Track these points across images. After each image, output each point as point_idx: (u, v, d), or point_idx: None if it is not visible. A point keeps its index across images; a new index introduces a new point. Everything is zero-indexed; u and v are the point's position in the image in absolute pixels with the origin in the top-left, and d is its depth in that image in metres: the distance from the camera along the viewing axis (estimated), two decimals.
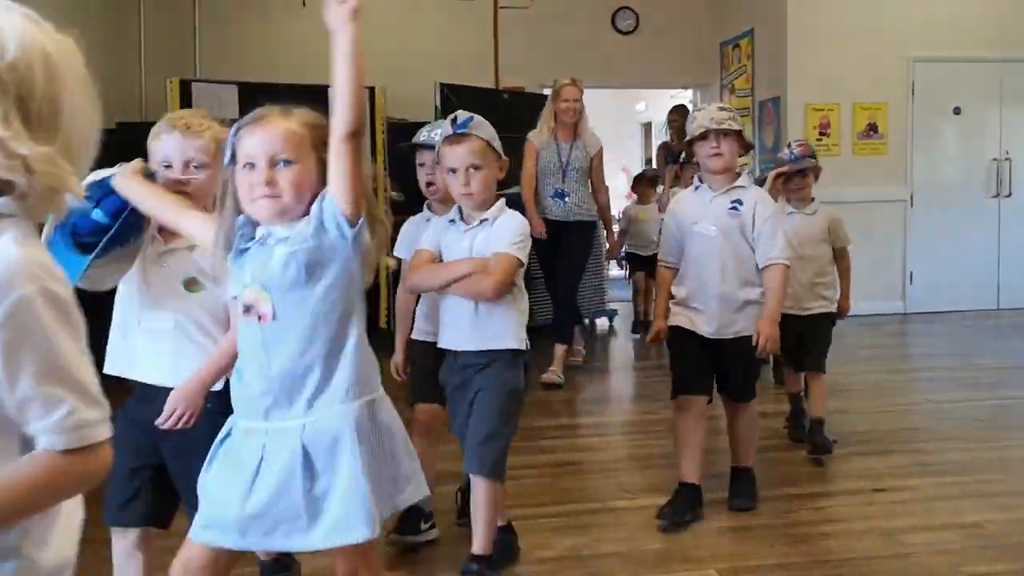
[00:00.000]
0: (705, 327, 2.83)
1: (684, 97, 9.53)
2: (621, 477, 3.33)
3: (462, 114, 2.34)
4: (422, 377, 2.60)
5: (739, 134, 2.81)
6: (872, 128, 7.30)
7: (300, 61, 7.33)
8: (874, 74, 7.18)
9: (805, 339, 3.48)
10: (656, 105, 11.68)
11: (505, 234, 2.28)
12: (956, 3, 7.20)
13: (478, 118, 2.33)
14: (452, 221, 2.36)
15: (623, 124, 12.68)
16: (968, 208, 7.41)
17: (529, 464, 3.42)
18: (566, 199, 4.92)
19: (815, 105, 7.21)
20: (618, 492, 3.13)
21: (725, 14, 8.13)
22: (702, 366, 2.87)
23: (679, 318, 2.88)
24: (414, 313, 2.66)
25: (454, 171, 2.29)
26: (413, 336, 2.66)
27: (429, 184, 2.65)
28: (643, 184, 7.07)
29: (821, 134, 7.20)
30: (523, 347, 2.34)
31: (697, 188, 2.90)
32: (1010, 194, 7.47)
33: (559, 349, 4.92)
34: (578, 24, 8.06)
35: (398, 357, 2.69)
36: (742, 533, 2.75)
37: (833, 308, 3.58)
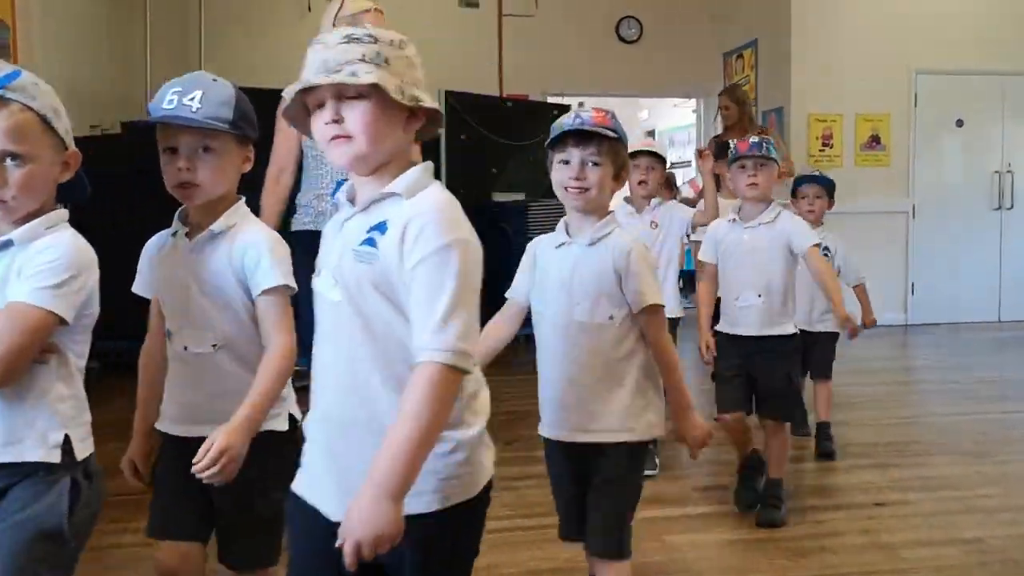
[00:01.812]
0: (311, 491, 1.35)
1: (688, 107, 9.55)
2: None
3: None
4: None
5: (379, 89, 1.26)
6: (875, 139, 7.32)
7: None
8: (877, 85, 7.21)
9: (589, 483, 1.96)
10: (659, 114, 11.72)
11: (32, 269, 1.37)
12: (959, 16, 7.22)
13: (30, 77, 1.43)
14: None
15: (627, 132, 12.69)
16: (970, 220, 7.42)
17: (529, 475, 3.40)
18: None
19: (818, 116, 7.23)
20: None
21: (729, 24, 8.15)
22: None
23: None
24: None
25: None
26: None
27: (184, 185, 1.64)
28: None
29: (824, 145, 7.22)
30: (59, 459, 1.39)
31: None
32: (1012, 206, 7.48)
33: None
34: (582, 33, 8.09)
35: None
36: (742, 546, 2.74)
37: (646, 434, 1.94)
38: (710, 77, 8.40)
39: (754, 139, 2.90)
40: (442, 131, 6.34)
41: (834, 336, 3.71)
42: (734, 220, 2.94)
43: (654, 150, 3.50)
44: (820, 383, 3.77)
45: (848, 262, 3.76)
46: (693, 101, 9.17)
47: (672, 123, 11.52)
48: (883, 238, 7.22)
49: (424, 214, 1.28)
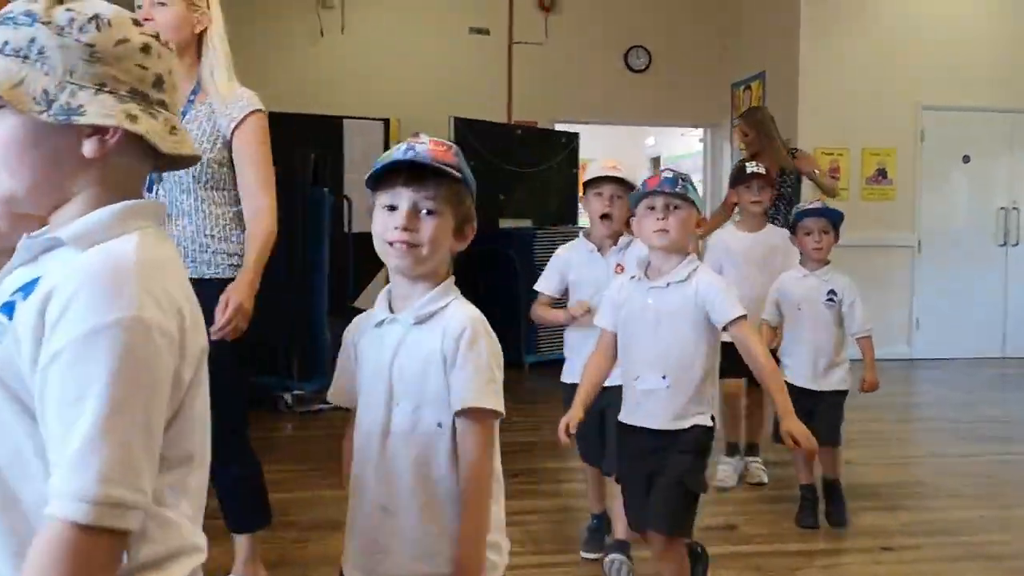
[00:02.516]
0: None
1: (695, 135, 9.58)
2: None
3: None
4: None
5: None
6: (881, 173, 7.35)
7: (314, 89, 7.42)
8: (884, 120, 7.25)
9: None
10: (665, 141, 11.77)
11: None
12: (966, 53, 7.27)
13: None
14: None
15: (632, 159, 12.77)
16: (975, 256, 7.44)
17: (534, 509, 3.40)
18: (180, 223, 2.23)
19: (825, 148, 7.25)
20: None
21: (737, 56, 8.20)
22: None
23: None
24: None
25: None
26: None
27: None
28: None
29: (831, 178, 7.24)
30: None
31: None
32: (1017, 243, 7.50)
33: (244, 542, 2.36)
34: (591, 61, 8.14)
35: None
36: None
37: (493, 569, 1.47)
38: (718, 107, 8.44)
39: (668, 174, 2.20)
40: None
41: (842, 394, 3.33)
42: (637, 277, 2.23)
43: (620, 176, 2.66)
44: (826, 448, 3.29)
45: (852, 311, 3.28)
46: (700, 130, 9.22)
47: (678, 151, 11.57)
48: (888, 272, 7.24)
49: (78, 279, 0.84)
